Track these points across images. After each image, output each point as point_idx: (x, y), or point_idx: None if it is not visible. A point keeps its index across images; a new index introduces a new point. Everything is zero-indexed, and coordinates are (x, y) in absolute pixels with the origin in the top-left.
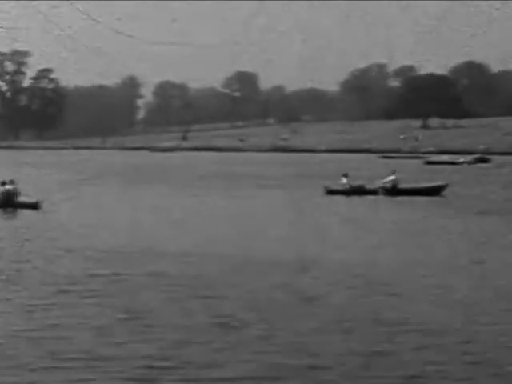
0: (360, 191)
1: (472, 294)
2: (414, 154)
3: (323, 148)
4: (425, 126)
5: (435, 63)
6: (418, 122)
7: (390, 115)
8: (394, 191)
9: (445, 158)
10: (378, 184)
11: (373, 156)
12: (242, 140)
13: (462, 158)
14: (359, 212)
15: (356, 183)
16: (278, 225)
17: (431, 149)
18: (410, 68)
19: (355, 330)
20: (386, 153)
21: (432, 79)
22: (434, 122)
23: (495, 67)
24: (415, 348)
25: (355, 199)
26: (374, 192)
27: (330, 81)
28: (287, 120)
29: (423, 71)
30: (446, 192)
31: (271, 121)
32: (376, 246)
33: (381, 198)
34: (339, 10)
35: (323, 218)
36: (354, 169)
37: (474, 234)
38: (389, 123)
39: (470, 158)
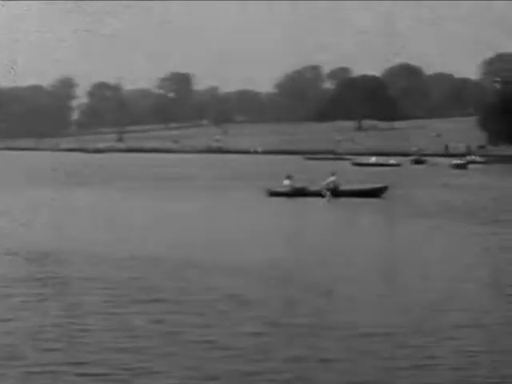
0: (302, 193)
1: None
2: (339, 155)
3: (258, 149)
4: (359, 128)
5: (370, 65)
6: (352, 124)
7: (324, 117)
8: (335, 192)
9: (372, 159)
10: (319, 186)
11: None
12: (175, 141)
13: (391, 160)
14: (297, 213)
15: (298, 185)
16: (214, 227)
17: (365, 150)
18: (345, 70)
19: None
20: (320, 154)
21: (366, 81)
22: (368, 123)
23: (429, 70)
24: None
25: (297, 200)
26: (316, 194)
27: (265, 82)
28: (221, 121)
29: (358, 73)
30: (386, 194)
31: (205, 122)
32: (304, 247)
33: (323, 199)
34: (276, 11)
35: (261, 220)
36: (284, 171)
37: (403, 236)
38: (323, 125)
39: (407, 159)
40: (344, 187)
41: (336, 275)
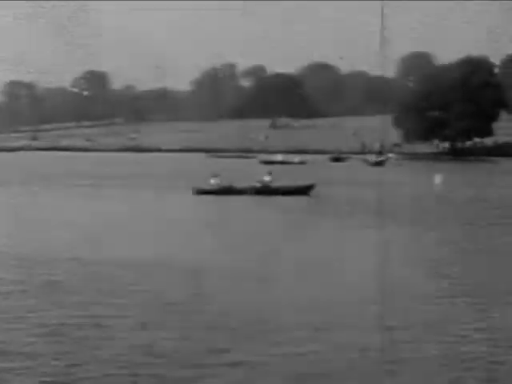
0: (229, 191)
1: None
2: (249, 153)
3: (171, 148)
4: (274, 126)
5: (285, 63)
6: (267, 122)
7: (240, 115)
8: (265, 190)
9: (279, 157)
10: (249, 183)
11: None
12: (89, 140)
13: (296, 158)
14: (215, 212)
15: (225, 183)
16: (134, 226)
17: (279, 148)
18: (260, 68)
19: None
20: (231, 152)
21: (281, 79)
22: (283, 121)
23: (344, 68)
24: None
25: (223, 199)
26: (243, 191)
27: (181, 80)
28: (136, 120)
29: (273, 71)
30: (313, 191)
31: (119, 120)
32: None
33: (249, 197)
34: (192, 11)
35: (180, 218)
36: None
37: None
38: (239, 123)
39: (326, 156)
40: (274, 185)
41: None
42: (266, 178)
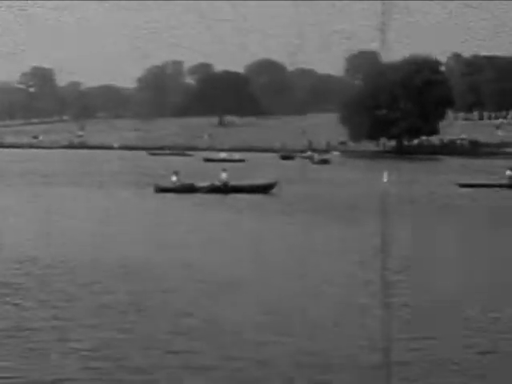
0: (190, 189)
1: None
2: (192, 150)
3: (114, 145)
4: (221, 124)
5: (232, 61)
6: (214, 120)
7: (186, 113)
8: (225, 189)
9: (222, 155)
10: (208, 182)
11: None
12: (35, 137)
13: (237, 156)
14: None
15: (186, 181)
16: (87, 224)
17: (226, 146)
18: (206, 65)
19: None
20: (182, 150)
21: (228, 77)
22: (230, 119)
23: (291, 65)
24: None
25: (183, 197)
26: (204, 190)
27: (127, 78)
28: (82, 117)
29: (219, 69)
30: (275, 190)
31: (66, 117)
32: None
33: (209, 195)
34: (140, 9)
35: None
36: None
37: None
38: (185, 121)
39: (275, 154)
40: (234, 183)
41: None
42: (223, 176)
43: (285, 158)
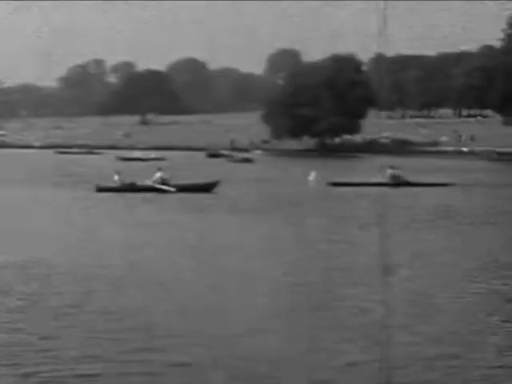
0: (132, 188)
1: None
2: (112, 149)
3: (35, 144)
4: (143, 122)
5: (154, 59)
6: (136, 118)
7: (109, 111)
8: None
9: (137, 154)
10: (148, 181)
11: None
12: None
13: (152, 154)
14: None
15: (127, 181)
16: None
17: (147, 145)
18: (129, 64)
19: None
20: (102, 149)
21: (150, 75)
22: (152, 118)
23: (214, 64)
24: None
25: (123, 196)
26: (145, 189)
27: (49, 76)
28: (2, 116)
29: (142, 67)
30: (217, 189)
31: None
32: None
33: (150, 194)
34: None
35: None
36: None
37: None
38: (107, 119)
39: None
40: (175, 182)
41: None
42: (158, 174)
43: (211, 156)
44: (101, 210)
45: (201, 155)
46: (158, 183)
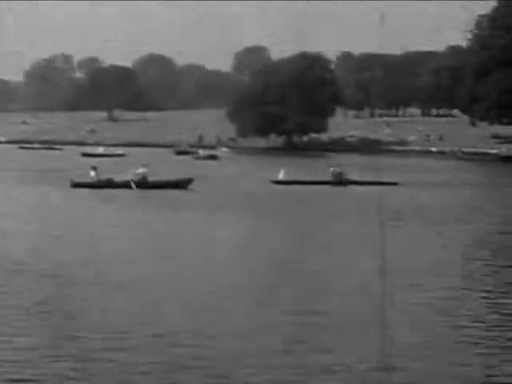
0: (108, 184)
1: None
2: (77, 145)
3: (4, 139)
4: (111, 119)
5: (121, 55)
6: (103, 114)
7: (74, 107)
8: (143, 184)
9: (100, 150)
10: (127, 177)
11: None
12: None
13: (118, 150)
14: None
15: (104, 176)
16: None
17: (114, 141)
18: (95, 60)
19: None
20: (68, 145)
21: (115, 71)
22: (118, 114)
23: (180, 60)
24: None
25: (99, 192)
26: (122, 185)
27: (15, 70)
28: None
29: (108, 63)
30: (192, 185)
31: None
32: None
33: (128, 191)
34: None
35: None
36: None
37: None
38: (73, 115)
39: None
40: (152, 179)
41: None
42: (141, 170)
43: (180, 153)
44: (73, 205)
45: (167, 152)
46: (138, 179)
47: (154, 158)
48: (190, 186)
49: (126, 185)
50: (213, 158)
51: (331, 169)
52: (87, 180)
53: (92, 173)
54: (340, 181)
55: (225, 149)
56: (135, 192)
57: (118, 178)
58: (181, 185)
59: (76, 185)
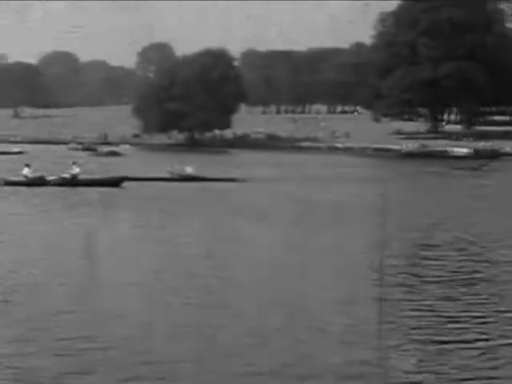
0: (40, 182)
1: None
2: None
3: None
4: (16, 116)
5: (26, 52)
6: (10, 111)
7: None
8: (73, 182)
9: None
10: (59, 175)
11: None
12: None
13: (15, 148)
14: None
15: (36, 174)
16: None
17: (18, 139)
18: (1, 56)
19: None
20: None
21: (19, 68)
22: (26, 111)
23: (84, 56)
24: None
25: (31, 190)
26: (53, 183)
27: None
28: None
29: (13, 59)
30: (124, 184)
31: None
32: None
33: (57, 188)
34: None
35: None
36: None
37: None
38: None
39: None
40: (83, 177)
41: None
42: (75, 170)
43: (86, 149)
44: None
45: (68, 148)
46: (68, 177)
47: (51, 155)
48: (121, 184)
49: (57, 183)
50: (114, 154)
51: (175, 165)
52: (19, 178)
53: (25, 170)
54: (184, 177)
55: (126, 146)
56: (65, 190)
57: (49, 176)
58: (114, 183)
59: (8, 183)
